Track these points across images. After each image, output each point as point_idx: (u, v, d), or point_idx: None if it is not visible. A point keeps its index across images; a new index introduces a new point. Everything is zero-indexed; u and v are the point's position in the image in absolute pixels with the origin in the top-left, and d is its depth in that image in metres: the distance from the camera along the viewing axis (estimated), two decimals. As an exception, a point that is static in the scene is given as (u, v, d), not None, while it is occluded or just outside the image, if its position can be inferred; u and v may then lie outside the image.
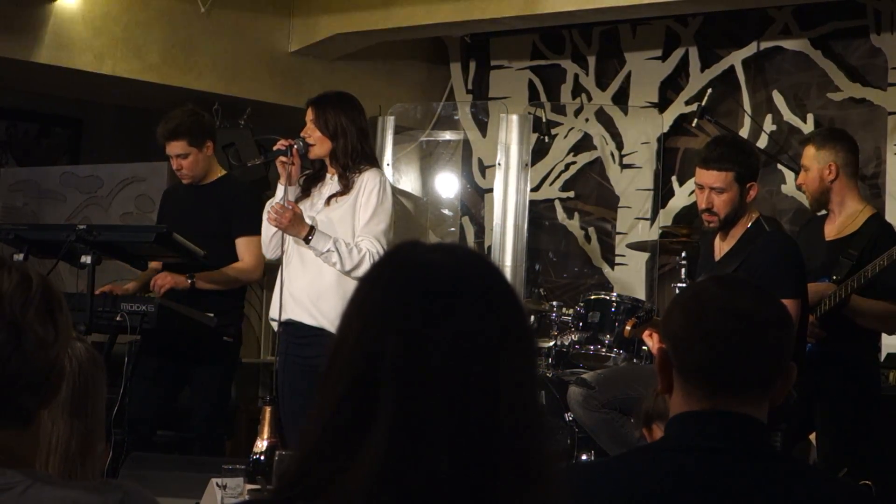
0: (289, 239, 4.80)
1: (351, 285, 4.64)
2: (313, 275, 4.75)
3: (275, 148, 4.81)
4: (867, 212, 4.94)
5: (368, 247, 4.66)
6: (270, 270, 5.35)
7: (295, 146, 4.75)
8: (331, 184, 4.84)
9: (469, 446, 1.22)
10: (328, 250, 4.66)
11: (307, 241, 4.68)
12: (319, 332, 4.70)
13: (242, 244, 5.32)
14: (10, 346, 1.55)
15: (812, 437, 5.05)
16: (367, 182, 4.74)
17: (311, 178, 4.87)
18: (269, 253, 4.92)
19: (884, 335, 5.21)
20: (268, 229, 4.84)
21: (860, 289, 4.68)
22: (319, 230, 4.70)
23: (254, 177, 6.34)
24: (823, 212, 5.04)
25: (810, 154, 4.91)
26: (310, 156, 4.80)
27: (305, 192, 4.84)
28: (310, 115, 4.80)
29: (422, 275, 1.28)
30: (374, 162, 4.90)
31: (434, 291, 1.27)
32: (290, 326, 4.82)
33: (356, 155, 4.76)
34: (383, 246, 4.67)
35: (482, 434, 1.23)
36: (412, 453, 1.21)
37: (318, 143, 4.77)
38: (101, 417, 2.22)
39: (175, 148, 5.32)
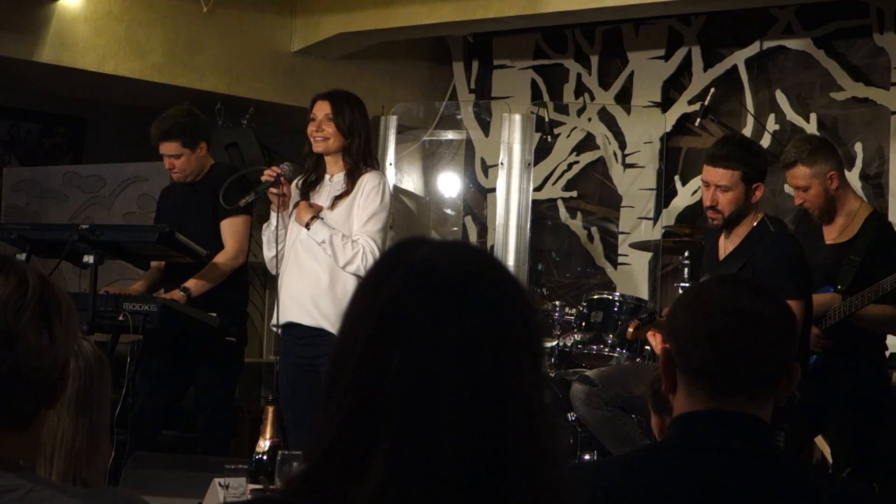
0: (284, 244, 4.82)
1: (347, 284, 4.68)
2: (310, 278, 4.77)
3: (263, 179, 4.80)
4: (865, 210, 4.92)
5: (364, 243, 4.70)
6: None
7: (282, 175, 4.77)
8: (329, 186, 4.85)
9: (478, 455, 1.19)
10: (322, 242, 4.70)
11: (308, 227, 4.72)
12: (319, 332, 4.73)
13: (226, 227, 5.29)
14: (2, 352, 1.55)
15: (816, 439, 5.06)
16: (366, 183, 4.77)
17: (308, 184, 4.87)
18: (273, 270, 4.93)
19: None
20: (268, 251, 4.88)
21: (870, 302, 4.67)
22: (321, 220, 4.73)
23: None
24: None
25: (804, 174, 4.82)
26: (320, 150, 4.81)
27: (305, 199, 4.84)
28: (324, 109, 4.79)
29: (427, 286, 1.23)
30: (377, 164, 4.96)
31: (441, 303, 1.22)
32: (291, 328, 4.85)
33: (366, 156, 4.81)
34: (378, 246, 4.70)
35: (492, 441, 1.20)
36: (419, 468, 1.18)
37: (332, 138, 4.78)
38: (106, 417, 2.23)
39: (168, 148, 5.30)
